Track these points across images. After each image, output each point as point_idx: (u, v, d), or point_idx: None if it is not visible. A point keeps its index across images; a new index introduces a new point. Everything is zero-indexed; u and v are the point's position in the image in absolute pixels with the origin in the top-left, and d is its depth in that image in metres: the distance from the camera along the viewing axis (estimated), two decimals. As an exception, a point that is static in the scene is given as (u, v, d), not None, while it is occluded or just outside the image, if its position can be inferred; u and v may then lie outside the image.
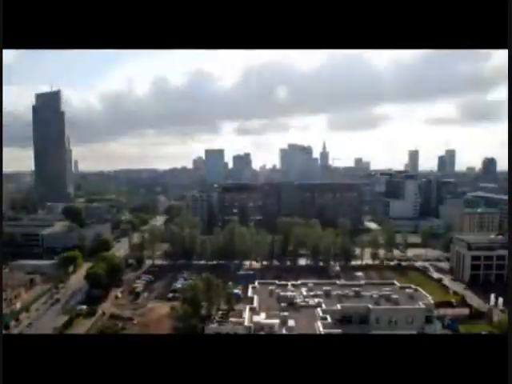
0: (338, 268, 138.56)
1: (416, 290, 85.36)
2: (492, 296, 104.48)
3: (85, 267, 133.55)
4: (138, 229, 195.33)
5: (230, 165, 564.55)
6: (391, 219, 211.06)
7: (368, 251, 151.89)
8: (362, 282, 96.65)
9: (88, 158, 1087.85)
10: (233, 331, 72.21)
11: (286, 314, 72.18)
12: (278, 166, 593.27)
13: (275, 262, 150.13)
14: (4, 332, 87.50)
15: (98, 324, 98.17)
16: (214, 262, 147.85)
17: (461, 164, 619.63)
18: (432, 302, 78.87)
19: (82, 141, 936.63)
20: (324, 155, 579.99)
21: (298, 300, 79.99)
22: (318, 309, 73.48)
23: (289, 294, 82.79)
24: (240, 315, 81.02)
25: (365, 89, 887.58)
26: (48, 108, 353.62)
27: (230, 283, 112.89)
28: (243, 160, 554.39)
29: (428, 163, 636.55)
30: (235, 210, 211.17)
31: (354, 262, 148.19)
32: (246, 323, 70.28)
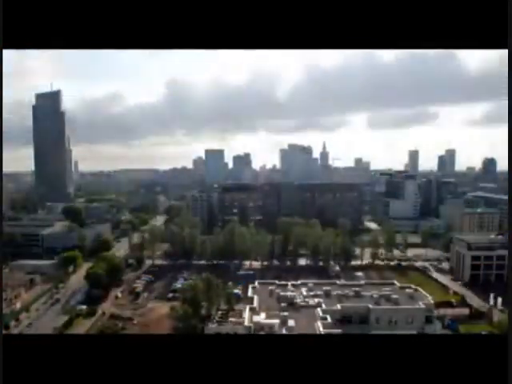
0: (337, 268, 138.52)
1: (416, 290, 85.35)
2: (492, 296, 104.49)
3: (85, 267, 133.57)
4: (138, 229, 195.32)
5: (230, 165, 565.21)
6: (391, 219, 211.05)
7: (368, 251, 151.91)
8: (362, 282, 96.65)
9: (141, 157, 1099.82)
10: (233, 331, 72.22)
11: (285, 314, 72.17)
12: (278, 165, 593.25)
13: (275, 262, 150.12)
14: (4, 332, 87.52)
15: (97, 324, 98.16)
16: (214, 262, 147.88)
17: (461, 164, 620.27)
18: (432, 302, 78.85)
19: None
20: (324, 155, 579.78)
21: (298, 300, 79.95)
22: (318, 309, 73.47)
23: (289, 293, 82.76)
24: (240, 315, 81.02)
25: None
26: (48, 108, 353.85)
27: (230, 283, 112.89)
28: (243, 160, 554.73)
29: (428, 163, 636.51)
30: (235, 210, 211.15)
31: (353, 262, 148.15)
32: (246, 323, 70.27)
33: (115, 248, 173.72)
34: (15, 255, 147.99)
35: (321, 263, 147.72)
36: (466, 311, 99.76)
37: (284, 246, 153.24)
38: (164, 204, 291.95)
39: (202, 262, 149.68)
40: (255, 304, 77.72)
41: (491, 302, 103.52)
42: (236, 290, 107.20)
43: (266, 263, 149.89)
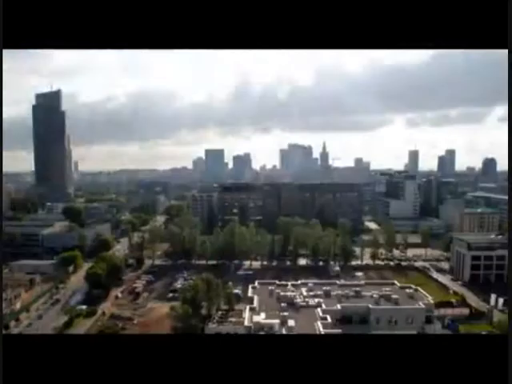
0: (337, 268, 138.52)
1: (416, 290, 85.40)
2: (492, 296, 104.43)
3: (85, 267, 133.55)
4: (138, 229, 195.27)
5: (230, 165, 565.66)
6: (391, 219, 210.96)
7: (368, 251, 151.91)
8: (362, 282, 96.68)
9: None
10: (233, 331, 72.22)
11: (285, 314, 72.17)
12: (278, 166, 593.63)
13: (275, 262, 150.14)
14: (4, 332, 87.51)
15: (98, 324, 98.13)
16: (214, 262, 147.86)
17: (461, 164, 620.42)
18: (432, 302, 78.91)
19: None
20: (324, 155, 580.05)
21: (298, 300, 79.96)
22: (318, 309, 73.49)
23: (289, 294, 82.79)
24: (240, 315, 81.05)
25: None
26: (48, 108, 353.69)
27: (230, 283, 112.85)
28: (243, 160, 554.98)
29: (428, 163, 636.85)
30: (235, 210, 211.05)
31: (354, 262, 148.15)
32: (246, 323, 70.29)
33: (115, 248, 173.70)
34: (15, 255, 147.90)
35: (321, 263, 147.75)
36: (466, 311, 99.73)
37: (284, 246, 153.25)
38: (164, 204, 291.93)
39: (202, 261, 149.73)
40: (255, 304, 77.74)
41: (492, 302, 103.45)
42: (236, 290, 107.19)
43: (265, 263, 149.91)
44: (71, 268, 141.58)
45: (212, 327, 79.11)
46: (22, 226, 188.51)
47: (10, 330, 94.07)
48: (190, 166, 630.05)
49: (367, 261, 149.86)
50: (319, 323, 67.04)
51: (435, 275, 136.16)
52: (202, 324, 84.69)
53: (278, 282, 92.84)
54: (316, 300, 79.34)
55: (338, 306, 74.28)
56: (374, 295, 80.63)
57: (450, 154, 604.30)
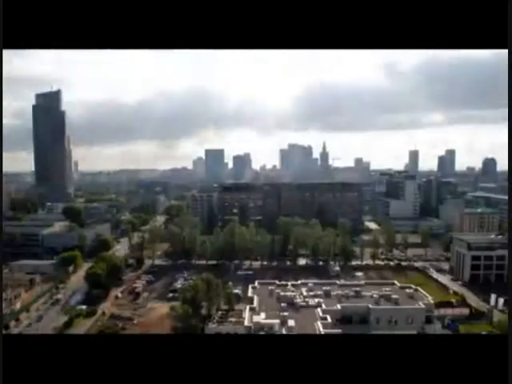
0: (337, 268, 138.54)
1: (416, 290, 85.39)
2: (492, 296, 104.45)
3: (85, 267, 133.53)
4: (138, 229, 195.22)
5: (230, 165, 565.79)
6: (391, 219, 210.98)
7: (368, 251, 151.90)
8: (362, 282, 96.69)
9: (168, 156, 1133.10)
10: (233, 331, 72.23)
11: (285, 314, 72.18)
12: (278, 166, 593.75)
13: (275, 262, 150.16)
14: (4, 332, 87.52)
15: (97, 324, 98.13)
16: (214, 262, 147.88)
17: (461, 164, 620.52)
18: (432, 302, 78.90)
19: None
20: (324, 155, 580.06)
21: (298, 300, 79.97)
22: (318, 309, 73.49)
23: (289, 293, 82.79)
24: (240, 315, 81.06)
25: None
26: (48, 108, 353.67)
27: (230, 283, 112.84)
28: (243, 160, 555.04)
29: (428, 163, 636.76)
30: (235, 210, 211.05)
31: (354, 262, 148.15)
32: (246, 323, 70.29)
33: (115, 248, 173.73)
34: (15, 255, 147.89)
35: (321, 263, 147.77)
36: (466, 311, 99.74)
37: (284, 246, 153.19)
38: (164, 204, 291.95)
39: (202, 261, 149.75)
40: (255, 304, 77.74)
41: (492, 302, 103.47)
42: (236, 290, 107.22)
43: (265, 263, 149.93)
44: (71, 268, 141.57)
45: (212, 327, 79.12)
46: (22, 226, 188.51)
47: (10, 330, 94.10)
48: (190, 166, 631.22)
49: (367, 261, 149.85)
50: (319, 323, 67.04)
51: (435, 275, 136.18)
52: (202, 324, 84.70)
53: (277, 282, 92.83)
54: (316, 300, 79.32)
55: (338, 306, 74.28)
56: (374, 295, 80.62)
57: (450, 153, 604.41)
